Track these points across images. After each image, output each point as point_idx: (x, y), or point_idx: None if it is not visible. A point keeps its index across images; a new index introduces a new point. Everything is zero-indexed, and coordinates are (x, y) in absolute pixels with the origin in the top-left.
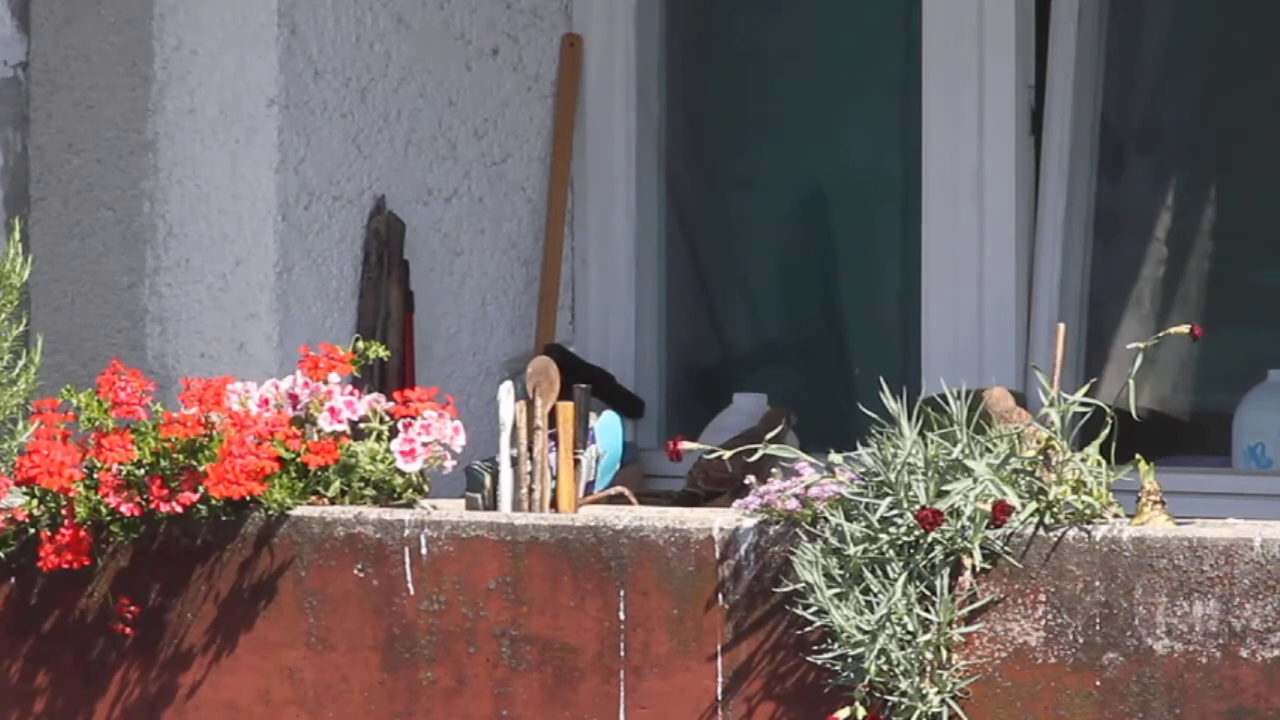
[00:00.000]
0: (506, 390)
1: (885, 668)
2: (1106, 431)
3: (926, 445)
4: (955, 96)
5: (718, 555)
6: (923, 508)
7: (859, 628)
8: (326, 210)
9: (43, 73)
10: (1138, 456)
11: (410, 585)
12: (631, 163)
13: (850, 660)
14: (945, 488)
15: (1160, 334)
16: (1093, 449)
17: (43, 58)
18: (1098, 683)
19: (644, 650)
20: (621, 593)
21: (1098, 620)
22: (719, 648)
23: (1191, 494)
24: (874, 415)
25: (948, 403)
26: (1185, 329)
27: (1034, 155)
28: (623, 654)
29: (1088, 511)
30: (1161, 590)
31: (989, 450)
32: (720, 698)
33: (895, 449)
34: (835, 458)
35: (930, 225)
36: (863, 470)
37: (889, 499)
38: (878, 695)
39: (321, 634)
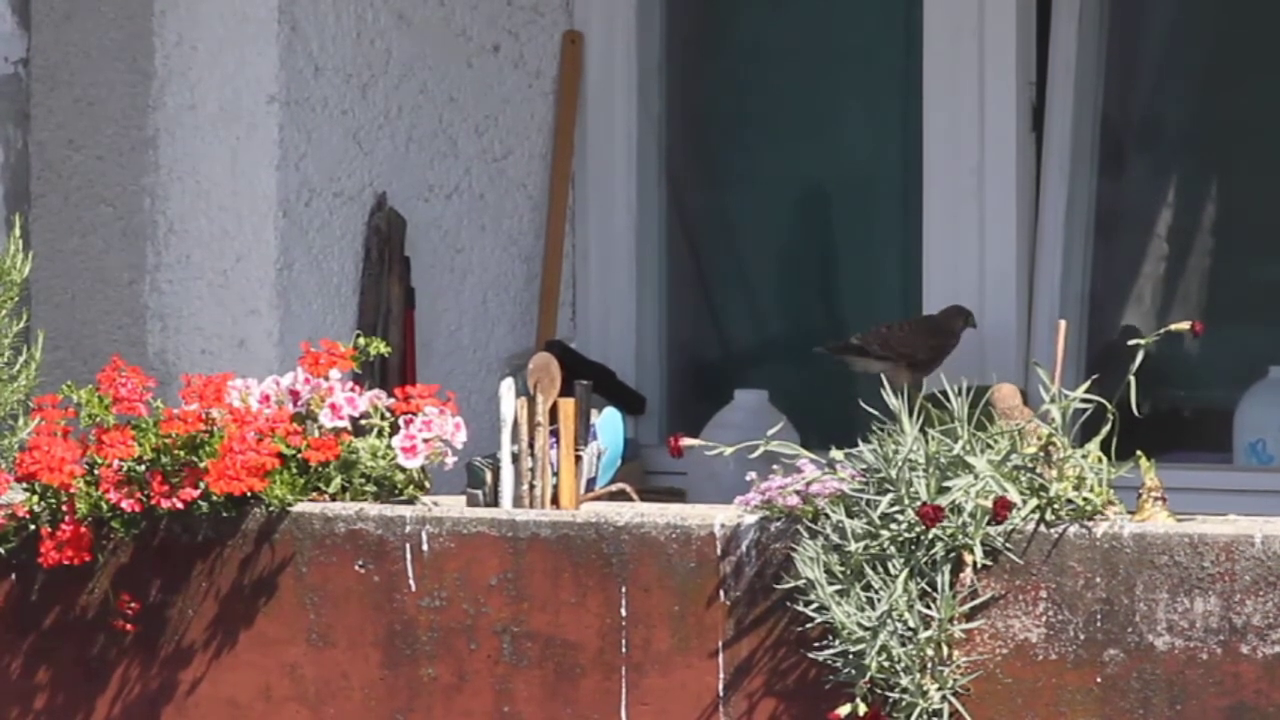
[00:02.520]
0: (508, 387)
1: (886, 664)
2: (1107, 428)
3: (927, 441)
4: (956, 93)
5: (719, 552)
6: (924, 504)
7: (860, 624)
8: (327, 207)
9: (43, 69)
10: (1139, 453)
11: (411, 582)
12: (632, 159)
13: (851, 657)
14: (946, 484)
15: (1161, 330)
16: (1094, 445)
17: (43, 54)
18: (1098, 679)
19: (645, 647)
20: (623, 589)
21: (1099, 617)
22: (720, 644)
23: (1192, 490)
24: (875, 412)
25: (948, 399)
26: (1186, 325)
27: (1035, 152)
28: (624, 650)
29: (1088, 508)
30: (1162, 587)
31: (990, 447)
32: (721, 694)
33: (896, 445)
34: (836, 454)
35: (931, 222)
36: (864, 466)
37: (890, 495)
38: (879, 692)
39: (322, 630)
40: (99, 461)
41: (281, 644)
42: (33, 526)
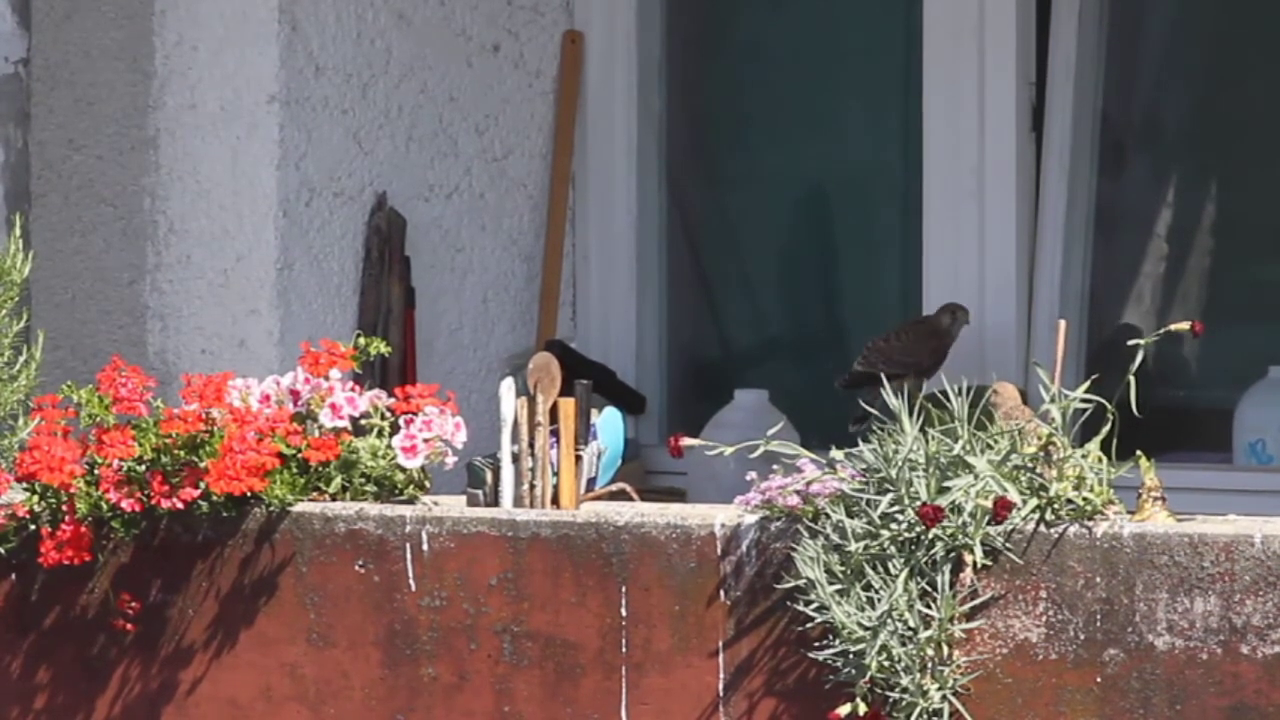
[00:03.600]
0: (508, 386)
1: (886, 664)
2: (1107, 428)
3: (928, 441)
4: (956, 93)
5: (719, 551)
6: (924, 504)
7: (860, 624)
8: (327, 206)
9: (43, 69)
10: (1138, 453)
11: (411, 581)
12: (632, 159)
13: (851, 656)
14: (946, 484)
15: (1161, 330)
16: (1094, 445)
17: (43, 54)
18: (1098, 679)
19: (645, 646)
20: (623, 589)
21: (1098, 617)
22: (720, 644)
23: (1192, 490)
24: (874, 412)
25: (948, 399)
26: (1186, 325)
27: (1035, 151)
28: (624, 650)
29: (1088, 508)
30: (1162, 587)
31: (990, 447)
32: (722, 694)
33: (896, 445)
34: (836, 454)
35: (931, 221)
36: (864, 466)
37: (890, 495)
38: (879, 691)
39: (322, 630)
40: (99, 461)
41: (282, 644)
42: (33, 526)
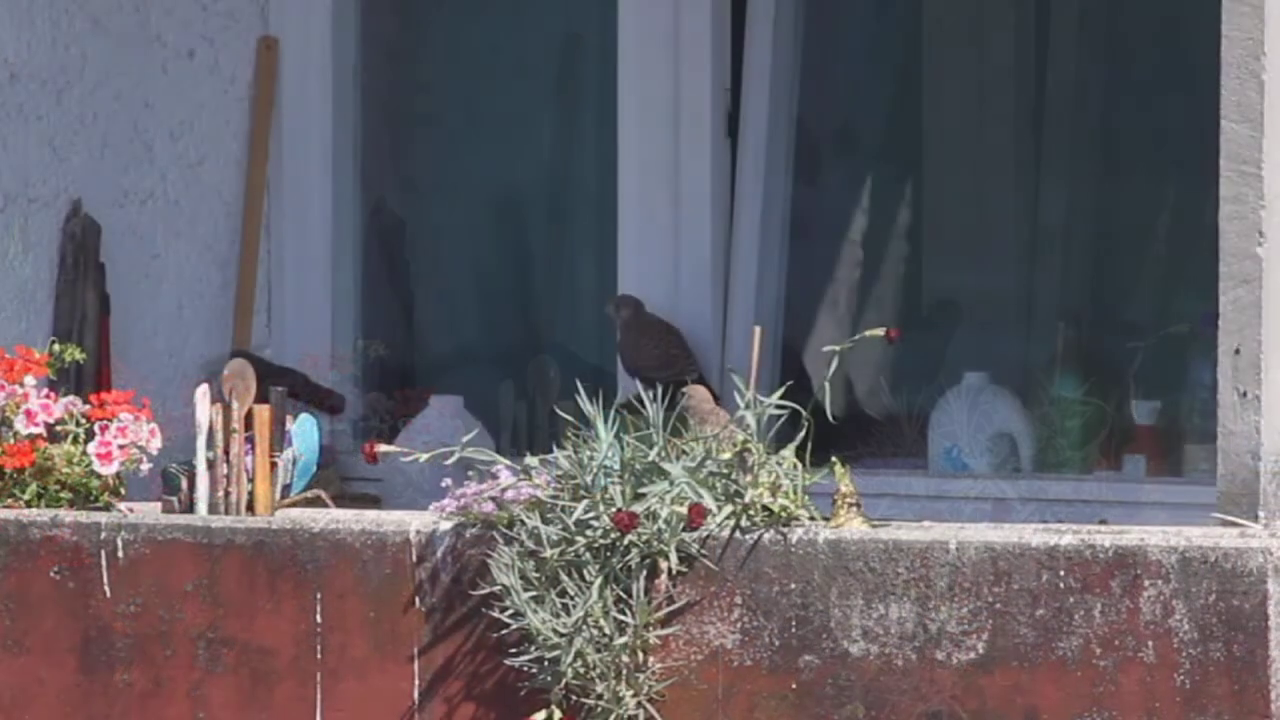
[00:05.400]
0: (203, 393)
1: (582, 670)
2: (803, 434)
3: (623, 448)
4: (651, 97)
5: (414, 558)
6: (619, 510)
7: (556, 630)
8: (22, 213)
9: None
10: (834, 459)
11: (107, 588)
12: (328, 166)
13: (548, 663)
14: (642, 490)
15: (856, 336)
16: (789, 451)
17: None
18: (794, 685)
19: (341, 653)
20: (318, 596)
21: (794, 623)
22: (416, 650)
23: (888, 496)
24: (570, 418)
25: (644, 405)
26: (881, 331)
27: (730, 157)
28: (319, 657)
29: (784, 514)
30: (858, 592)
31: (686, 453)
32: (417, 700)
33: (592, 452)
34: (531, 460)
35: (625, 227)
36: (560, 473)
37: (585, 501)
38: (575, 698)
39: (17, 636)
40: None
41: None
42: None
